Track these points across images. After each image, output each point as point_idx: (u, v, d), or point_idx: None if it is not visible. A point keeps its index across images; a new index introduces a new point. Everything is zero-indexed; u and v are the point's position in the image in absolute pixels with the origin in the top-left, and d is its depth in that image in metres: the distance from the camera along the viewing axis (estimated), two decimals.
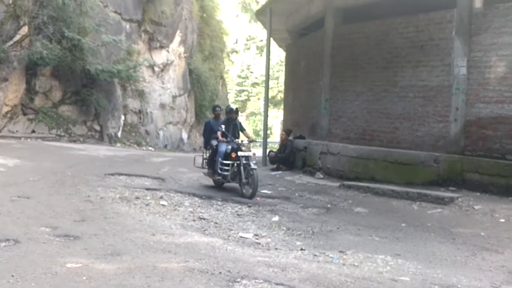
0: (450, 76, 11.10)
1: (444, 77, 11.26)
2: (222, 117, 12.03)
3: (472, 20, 10.83)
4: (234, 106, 12.11)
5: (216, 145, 11.19)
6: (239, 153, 10.63)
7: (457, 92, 10.96)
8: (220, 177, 10.91)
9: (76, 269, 4.74)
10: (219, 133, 11.09)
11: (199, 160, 12.17)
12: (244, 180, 10.50)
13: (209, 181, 11.76)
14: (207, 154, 11.85)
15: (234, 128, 11.47)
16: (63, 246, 5.57)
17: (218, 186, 11.30)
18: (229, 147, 10.91)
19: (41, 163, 11.31)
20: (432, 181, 11.05)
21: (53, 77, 17.68)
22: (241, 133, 11.62)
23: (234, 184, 10.99)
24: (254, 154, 10.94)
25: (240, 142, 10.99)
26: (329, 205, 9.95)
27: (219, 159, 10.85)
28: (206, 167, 11.74)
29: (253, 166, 10.50)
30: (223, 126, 11.13)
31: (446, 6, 11.26)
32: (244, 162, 10.59)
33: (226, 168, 10.77)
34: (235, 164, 10.72)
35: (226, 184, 11.20)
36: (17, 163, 10.91)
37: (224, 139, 10.99)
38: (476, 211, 9.11)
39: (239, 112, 12.21)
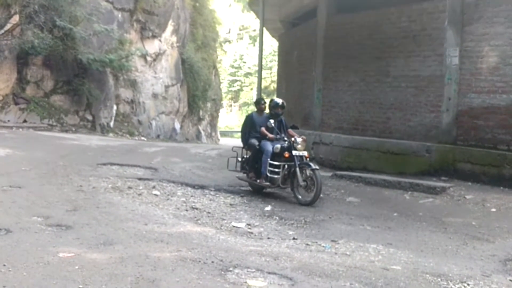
0: (442, 66, 11.12)
1: (436, 67, 11.28)
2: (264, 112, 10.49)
3: (464, 10, 10.84)
4: (279, 100, 10.39)
5: (259, 144, 9.79)
6: (294, 153, 9.29)
7: (449, 82, 10.99)
8: (268, 182, 9.53)
9: (68, 259, 4.73)
10: (263, 129, 9.83)
11: (234, 162, 10.66)
12: (302, 184, 9.11)
13: (202, 171, 11.75)
14: (243, 154, 10.44)
15: (280, 124, 10.00)
16: (55, 236, 5.56)
17: (258, 191, 9.99)
18: (278, 145, 9.50)
19: (33, 153, 11.25)
20: (424, 171, 11.10)
21: (45, 66, 17.54)
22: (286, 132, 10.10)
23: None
24: (308, 154, 9.61)
25: (293, 139, 9.51)
26: (321, 195, 9.97)
27: (268, 160, 9.46)
28: (243, 170, 10.31)
29: (314, 166, 9.15)
30: (272, 121, 9.72)
31: None
32: (299, 162, 9.24)
33: (276, 170, 9.36)
34: (286, 166, 9.41)
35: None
36: (9, 153, 10.85)
37: (273, 137, 9.68)
38: (468, 201, 9.16)
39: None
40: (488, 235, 7.16)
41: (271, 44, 46.44)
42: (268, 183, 9.54)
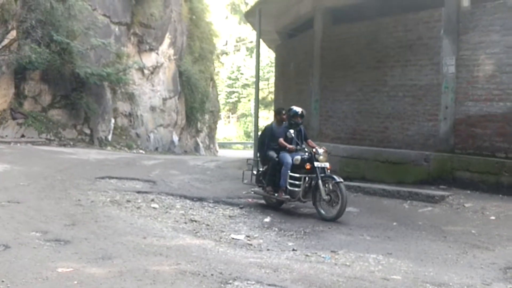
0: (439, 75, 11.16)
1: (433, 76, 11.32)
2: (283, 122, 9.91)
3: (460, 19, 10.90)
4: (299, 109, 9.58)
5: (277, 156, 9.32)
6: (316, 164, 8.82)
7: (446, 90, 11.02)
8: (287, 196, 9.05)
9: (67, 274, 4.71)
10: (281, 140, 9.36)
11: (249, 175, 10.34)
12: (325, 197, 8.65)
13: (201, 183, 11.72)
14: (259, 167, 10.01)
15: (299, 135, 9.43)
16: (54, 251, 5.54)
17: (274, 207, 9.54)
18: (298, 157, 9.04)
19: (31, 168, 11.24)
20: (422, 179, 11.10)
21: (42, 81, 17.58)
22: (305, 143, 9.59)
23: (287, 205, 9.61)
24: (330, 166, 9.07)
25: (314, 150, 9.04)
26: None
27: (288, 172, 8.99)
28: (259, 184, 9.85)
29: (338, 179, 8.64)
30: (292, 131, 9.26)
31: (434, 5, 11.32)
32: (322, 175, 8.80)
33: (297, 183, 8.89)
34: (307, 178, 8.95)
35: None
36: (7, 168, 10.83)
37: (293, 147, 9.25)
38: (467, 209, 9.16)
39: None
40: (488, 243, 7.14)
41: (268, 56, 46.66)
42: (287, 196, 9.05)
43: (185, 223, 7.88)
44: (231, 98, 61.72)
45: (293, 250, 6.60)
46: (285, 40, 18.22)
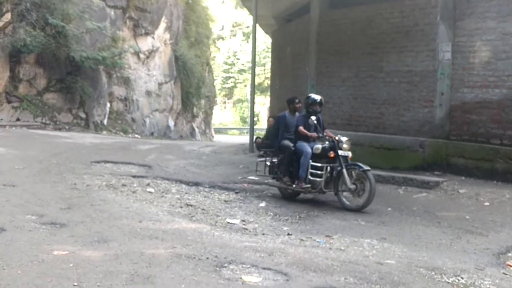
0: (435, 61, 11.15)
1: (429, 62, 11.30)
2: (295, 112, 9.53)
3: (456, 5, 10.87)
4: (318, 97, 9.19)
5: (294, 146, 8.92)
6: (340, 153, 8.49)
7: (442, 77, 11.02)
8: (308, 185, 8.56)
9: (63, 256, 4.73)
10: (301, 128, 8.91)
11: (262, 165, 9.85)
12: (351, 187, 8.32)
13: (196, 168, 11.73)
14: (271, 157, 9.59)
15: (317, 123, 8.99)
16: (50, 234, 5.55)
17: (289, 198, 9.12)
18: (318, 146, 8.67)
19: (26, 152, 11.23)
20: (417, 165, 11.13)
21: (37, 64, 17.50)
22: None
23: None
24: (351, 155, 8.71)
25: (337, 138, 8.66)
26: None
27: (308, 162, 8.56)
28: (273, 175, 9.47)
29: (365, 167, 8.29)
30: (313, 118, 8.80)
31: None
32: (345, 163, 8.45)
33: (319, 173, 8.49)
34: (328, 168, 8.57)
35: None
36: (2, 152, 10.81)
37: (316, 135, 8.85)
38: (461, 195, 9.21)
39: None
40: (481, 228, 7.20)
41: (265, 41, 46.44)
42: (308, 185, 8.55)
43: (181, 207, 7.91)
44: (227, 83, 61.59)
45: (288, 234, 6.64)
46: (282, 25, 18.14)
